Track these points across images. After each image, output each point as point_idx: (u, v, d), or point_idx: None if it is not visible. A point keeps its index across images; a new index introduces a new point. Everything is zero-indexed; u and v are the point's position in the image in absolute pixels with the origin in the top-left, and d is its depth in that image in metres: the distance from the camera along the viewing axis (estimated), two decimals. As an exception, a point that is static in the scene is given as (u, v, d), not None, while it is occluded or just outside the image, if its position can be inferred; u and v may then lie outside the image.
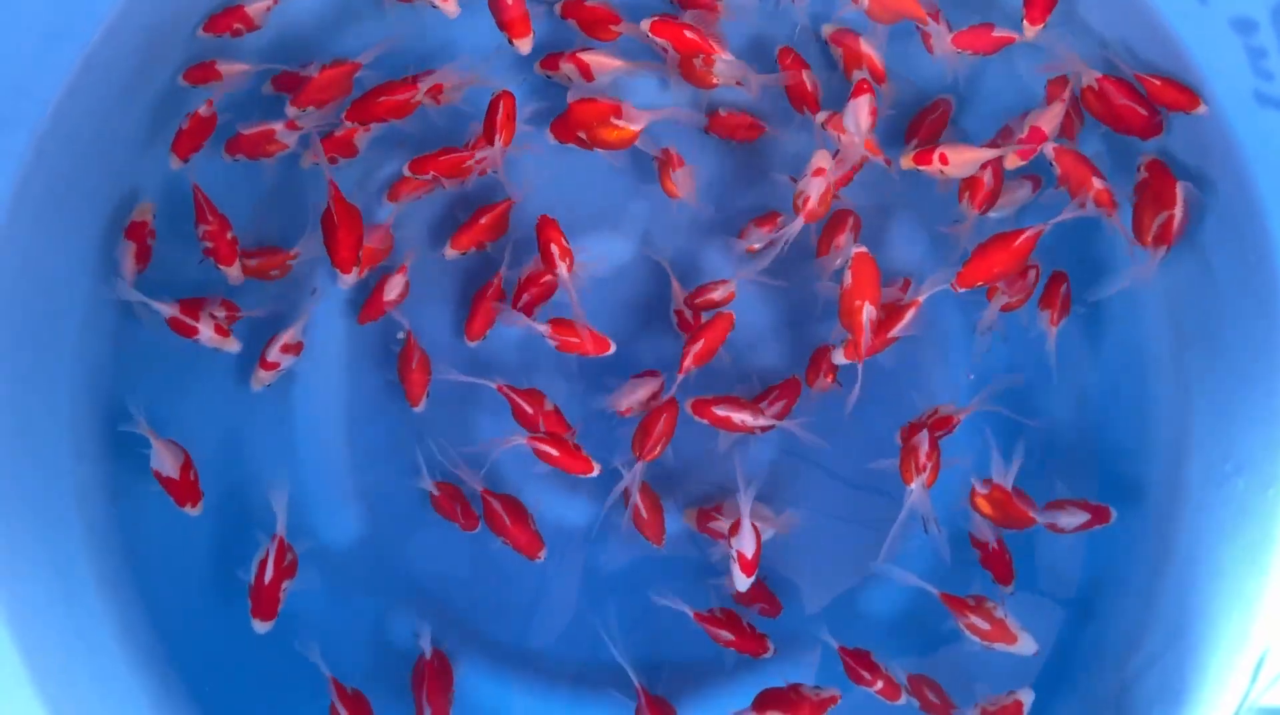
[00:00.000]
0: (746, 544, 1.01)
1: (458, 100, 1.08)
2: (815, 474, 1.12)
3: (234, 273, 1.06)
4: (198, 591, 1.08)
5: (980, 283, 1.00)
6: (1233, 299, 1.02)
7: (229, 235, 1.05)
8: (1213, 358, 1.04)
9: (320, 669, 1.03)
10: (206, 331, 1.05)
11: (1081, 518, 1.03)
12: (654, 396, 1.08)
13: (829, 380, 1.07)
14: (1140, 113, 1.01)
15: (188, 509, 1.04)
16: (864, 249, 1.00)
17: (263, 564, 1.02)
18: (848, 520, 1.12)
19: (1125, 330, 1.09)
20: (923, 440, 1.01)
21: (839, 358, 1.03)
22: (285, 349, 1.07)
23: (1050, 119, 1.02)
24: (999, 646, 1.01)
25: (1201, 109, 0.98)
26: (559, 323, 1.06)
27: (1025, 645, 1.01)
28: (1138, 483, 1.06)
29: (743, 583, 1.02)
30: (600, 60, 1.07)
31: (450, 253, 1.09)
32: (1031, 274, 1.06)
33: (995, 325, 1.07)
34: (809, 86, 1.08)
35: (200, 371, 1.09)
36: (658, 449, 1.05)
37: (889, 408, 1.07)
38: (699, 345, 1.05)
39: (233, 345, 1.06)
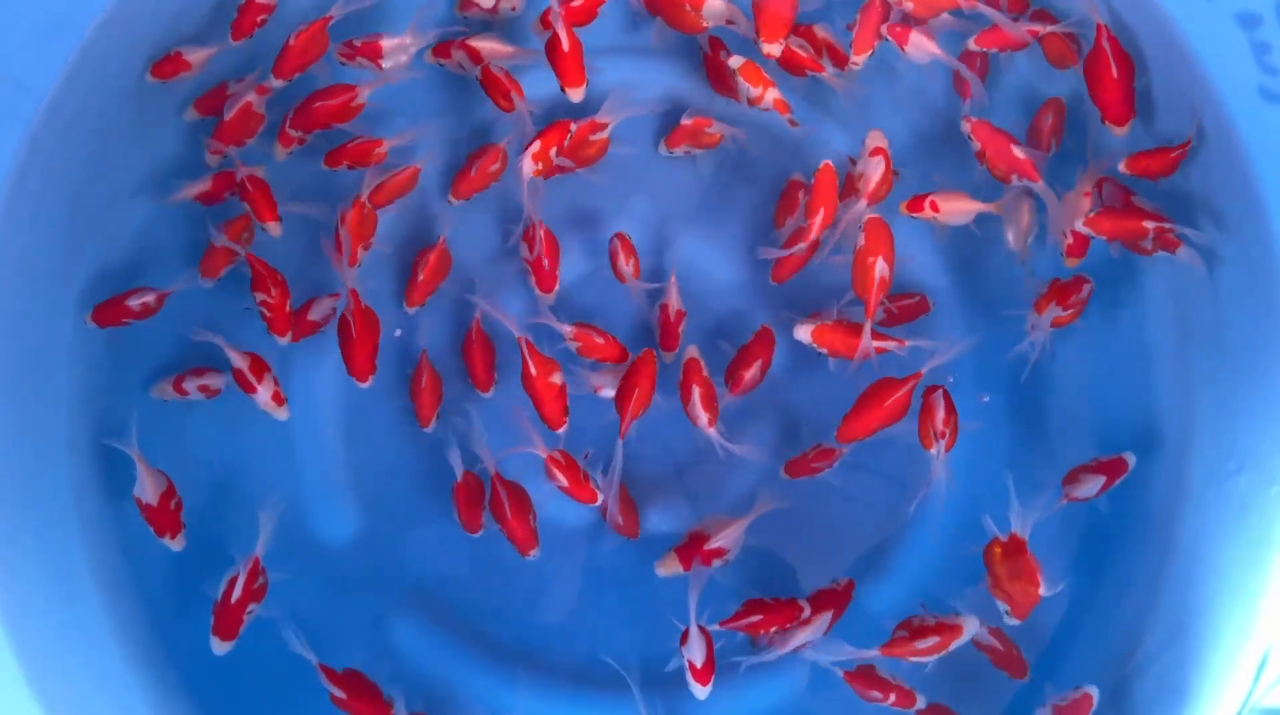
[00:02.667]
0: (696, 652, 0.99)
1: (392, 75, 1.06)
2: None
3: (284, 341, 1.05)
4: (195, 589, 1.07)
5: (863, 437, 1.01)
6: (1236, 295, 1.01)
7: (287, 307, 1.04)
8: (1216, 354, 1.03)
9: (306, 656, 1.02)
10: (265, 395, 1.04)
11: (1099, 481, 1.02)
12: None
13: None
14: (1114, 88, 1.00)
15: (167, 540, 1.03)
16: (877, 214, 0.99)
17: (232, 582, 1.01)
18: (848, 501, 1.10)
19: (1128, 327, 1.08)
20: (939, 402, 1.00)
21: (803, 335, 1.02)
22: (202, 388, 1.06)
23: (1084, 221, 1.01)
24: (955, 644, 0.99)
25: (1121, 131, 1.00)
26: (582, 328, 1.05)
27: (970, 626, 0.99)
28: (1140, 480, 1.05)
29: (700, 692, 1.00)
30: (490, 47, 1.06)
31: (411, 309, 1.09)
32: (1085, 288, 1.04)
33: (1046, 339, 1.05)
34: (819, 34, 1.05)
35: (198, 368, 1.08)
36: (643, 409, 1.03)
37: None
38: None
39: (283, 414, 1.05)
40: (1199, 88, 0.98)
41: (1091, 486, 1.03)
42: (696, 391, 1.03)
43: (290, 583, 1.05)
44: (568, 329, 1.05)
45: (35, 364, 1.02)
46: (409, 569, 1.11)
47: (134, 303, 1.04)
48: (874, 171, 1.00)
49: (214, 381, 1.06)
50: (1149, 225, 1.00)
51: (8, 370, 1.00)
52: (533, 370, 1.03)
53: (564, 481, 1.03)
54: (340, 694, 1.02)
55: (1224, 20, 0.96)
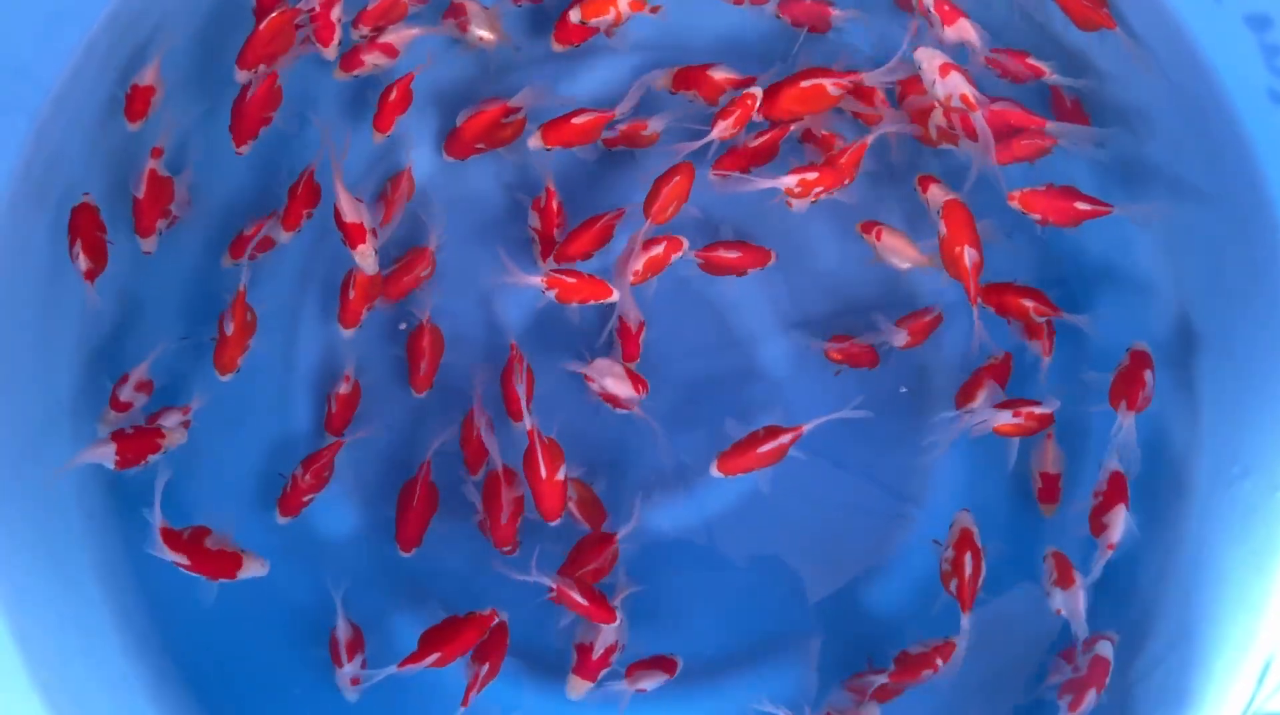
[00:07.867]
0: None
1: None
2: (820, 465, 1.10)
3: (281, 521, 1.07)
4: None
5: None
6: (1242, 299, 1.01)
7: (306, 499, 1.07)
8: (1221, 359, 1.03)
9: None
10: (347, 672, 1.04)
11: (1121, 512, 1.00)
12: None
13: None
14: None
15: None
16: (955, 196, 1.00)
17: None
18: (851, 511, 1.10)
19: (1132, 330, 1.08)
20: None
21: (818, 350, 1.05)
22: (139, 387, 1.05)
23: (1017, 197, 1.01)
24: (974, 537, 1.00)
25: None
26: (555, 274, 1.03)
27: (966, 519, 1.02)
28: (1144, 484, 1.04)
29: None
30: (401, 34, 1.07)
31: (345, 387, 1.09)
32: (1143, 395, 1.01)
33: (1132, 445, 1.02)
34: None
35: (201, 360, 1.08)
36: (670, 209, 1.02)
37: (891, 406, 1.07)
38: None
39: (352, 697, 1.05)
40: (1208, 90, 0.98)
41: (1118, 523, 1.00)
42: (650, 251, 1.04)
43: (290, 580, 1.05)
44: (539, 280, 1.02)
45: (37, 354, 1.03)
46: (408, 566, 1.10)
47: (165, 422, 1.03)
48: (960, 86, 0.98)
49: (140, 375, 1.05)
50: (1083, 207, 1.00)
51: (10, 361, 1.00)
52: (542, 470, 1.00)
53: (583, 602, 1.00)
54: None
55: (1233, 22, 0.95)
